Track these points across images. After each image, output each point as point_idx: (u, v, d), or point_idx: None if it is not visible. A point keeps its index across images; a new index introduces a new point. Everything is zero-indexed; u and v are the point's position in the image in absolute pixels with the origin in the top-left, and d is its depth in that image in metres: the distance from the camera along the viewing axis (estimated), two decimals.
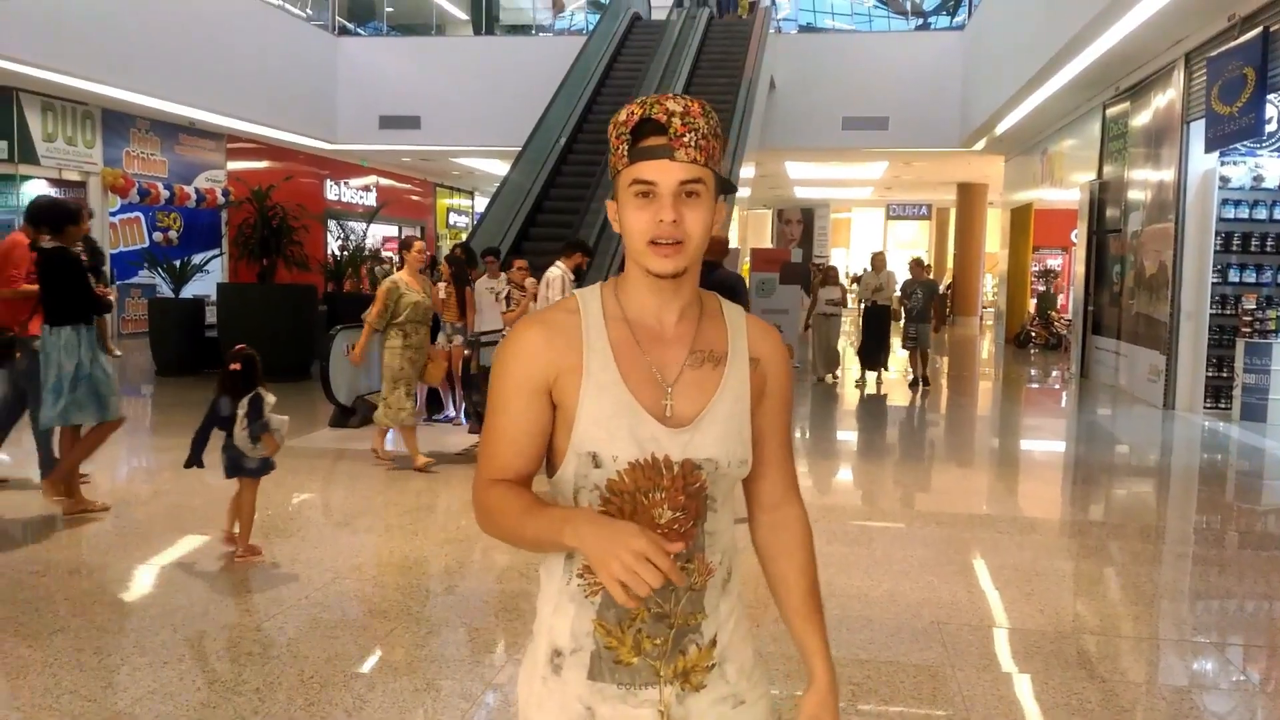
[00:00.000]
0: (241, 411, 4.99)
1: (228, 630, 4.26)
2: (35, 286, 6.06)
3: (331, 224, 18.89)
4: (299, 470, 7.26)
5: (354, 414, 9.15)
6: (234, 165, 19.53)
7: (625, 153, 1.44)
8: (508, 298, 9.07)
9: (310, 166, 21.51)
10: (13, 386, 6.48)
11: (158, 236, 18.20)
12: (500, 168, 18.62)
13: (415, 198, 26.92)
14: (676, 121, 1.41)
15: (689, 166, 1.41)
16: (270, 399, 5.06)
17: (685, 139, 1.40)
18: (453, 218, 29.40)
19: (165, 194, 17.75)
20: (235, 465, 5.10)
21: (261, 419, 4.95)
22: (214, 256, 15.68)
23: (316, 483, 7.14)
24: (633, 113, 1.44)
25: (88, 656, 3.94)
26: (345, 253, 15.95)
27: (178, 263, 13.95)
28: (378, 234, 22.75)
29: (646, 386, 1.46)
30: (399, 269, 7.88)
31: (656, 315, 1.50)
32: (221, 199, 18.83)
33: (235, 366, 4.97)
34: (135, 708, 3.49)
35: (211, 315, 13.34)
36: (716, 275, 6.86)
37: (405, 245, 8.25)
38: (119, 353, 8.19)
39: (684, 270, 1.45)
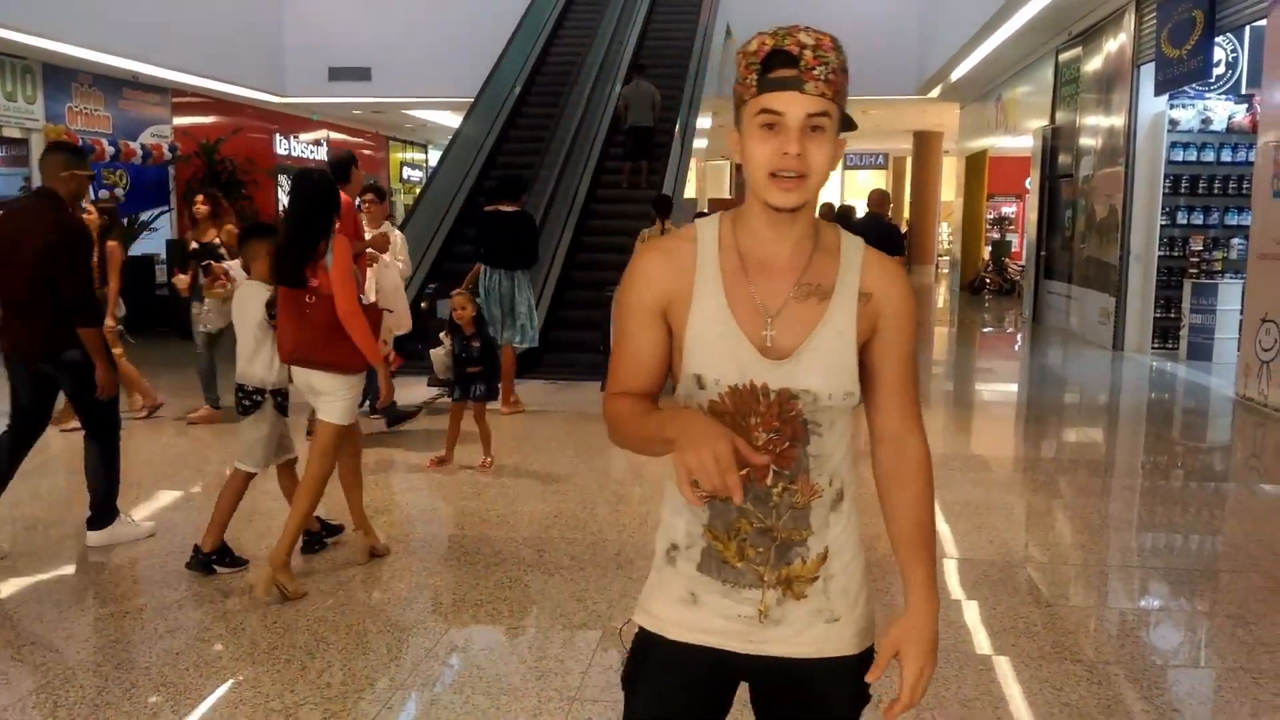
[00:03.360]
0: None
1: (188, 579, 4.27)
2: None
3: (282, 179, 18.59)
4: None
5: None
6: (180, 120, 19.09)
7: (754, 83, 1.43)
8: None
9: (259, 120, 21.08)
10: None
11: (103, 194, 17.80)
12: (454, 120, 18.38)
13: (368, 152, 26.51)
14: (808, 54, 1.40)
15: (817, 99, 1.41)
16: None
17: (815, 71, 1.40)
18: (406, 172, 29.03)
19: (110, 150, 17.33)
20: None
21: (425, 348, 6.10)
22: (162, 213, 15.42)
23: None
24: (764, 43, 1.43)
25: (47, 608, 3.93)
26: None
27: (125, 220, 13.69)
28: None
29: (751, 316, 1.50)
30: None
31: (770, 247, 1.52)
32: (168, 154, 18.43)
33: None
34: (98, 657, 3.50)
35: (162, 274, 13.14)
36: (881, 225, 8.38)
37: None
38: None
39: (803, 204, 1.46)
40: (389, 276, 6.91)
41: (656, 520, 1.57)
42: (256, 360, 4.30)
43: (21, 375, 4.50)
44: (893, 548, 1.62)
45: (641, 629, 1.64)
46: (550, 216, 11.30)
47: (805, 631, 1.56)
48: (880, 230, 8.63)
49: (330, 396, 4.14)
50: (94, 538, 4.63)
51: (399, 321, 7.03)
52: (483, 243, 7.86)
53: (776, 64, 1.41)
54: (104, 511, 4.66)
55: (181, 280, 7.62)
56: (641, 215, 11.99)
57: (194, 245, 7.67)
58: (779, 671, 1.58)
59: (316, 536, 4.62)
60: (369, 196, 7.25)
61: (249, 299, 4.35)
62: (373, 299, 6.55)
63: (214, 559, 4.29)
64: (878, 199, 8.95)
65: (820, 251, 1.54)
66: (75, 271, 4.31)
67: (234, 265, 7.19)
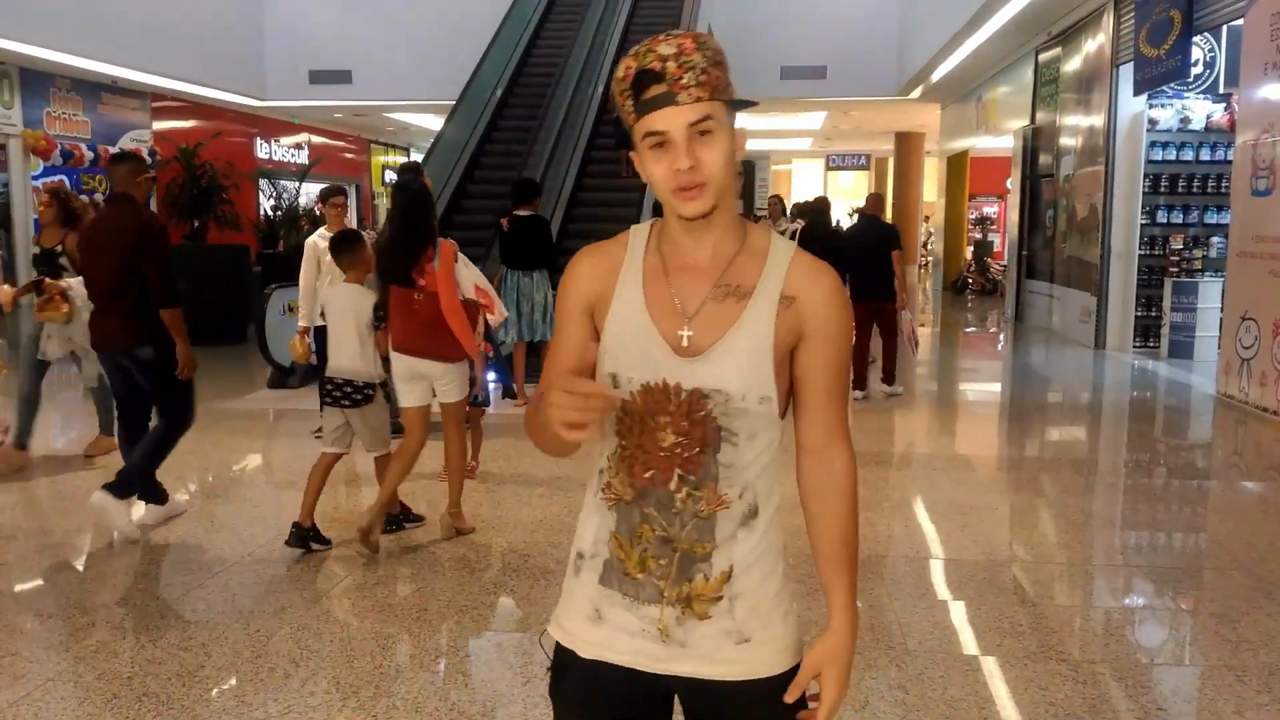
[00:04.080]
0: None
1: (171, 588, 4.23)
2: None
3: (263, 183, 18.50)
4: (239, 431, 7.18)
5: (292, 374, 9.05)
6: (160, 125, 18.97)
7: (632, 108, 1.44)
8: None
9: (239, 125, 20.97)
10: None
11: (83, 199, 17.67)
12: (436, 122, 18.33)
13: (349, 155, 26.42)
14: (671, 65, 1.40)
15: (693, 106, 1.40)
16: None
17: (683, 80, 1.40)
18: (388, 175, 28.93)
19: (89, 155, 17.21)
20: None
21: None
22: None
23: (258, 442, 7.06)
24: (629, 67, 1.43)
25: (28, 619, 3.89)
26: (279, 212, 15.63)
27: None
28: (311, 193, 22.31)
29: (667, 316, 1.50)
30: None
31: (690, 252, 1.52)
32: (148, 159, 18.32)
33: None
34: (79, 666, 3.46)
35: None
36: (879, 224, 9.01)
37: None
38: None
39: (712, 209, 1.46)
40: (469, 274, 6.94)
41: None
42: (363, 356, 4.70)
43: (109, 366, 5.00)
44: (815, 563, 1.58)
45: (557, 641, 1.61)
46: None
47: (716, 654, 1.50)
48: (879, 230, 8.90)
49: (442, 381, 4.72)
50: (96, 499, 4.68)
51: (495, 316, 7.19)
52: (502, 246, 8.30)
53: (646, 83, 1.41)
54: (125, 483, 4.79)
55: (4, 293, 6.44)
56: (628, 203, 12.03)
57: (36, 250, 6.68)
58: (698, 691, 1.54)
59: (397, 519, 4.98)
60: (339, 199, 6.88)
61: (348, 299, 4.72)
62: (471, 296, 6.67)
63: (393, 523, 4.91)
64: (874, 201, 9.45)
65: (745, 254, 1.52)
66: (158, 260, 4.79)
67: (75, 283, 5.99)
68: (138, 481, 4.85)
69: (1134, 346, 11.36)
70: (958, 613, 4.01)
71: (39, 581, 4.36)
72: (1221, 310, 9.21)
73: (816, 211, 10.50)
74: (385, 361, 4.90)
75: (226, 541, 4.88)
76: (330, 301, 4.82)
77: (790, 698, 1.51)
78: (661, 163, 1.43)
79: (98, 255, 4.86)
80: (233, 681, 3.36)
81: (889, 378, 8.86)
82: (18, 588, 4.25)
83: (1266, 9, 8.02)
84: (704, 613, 1.50)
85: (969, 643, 3.71)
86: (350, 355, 4.68)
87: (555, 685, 1.62)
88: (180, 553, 4.72)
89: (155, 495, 5.09)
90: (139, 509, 5.07)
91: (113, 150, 17.68)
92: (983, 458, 7.02)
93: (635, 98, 1.43)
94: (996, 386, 10.57)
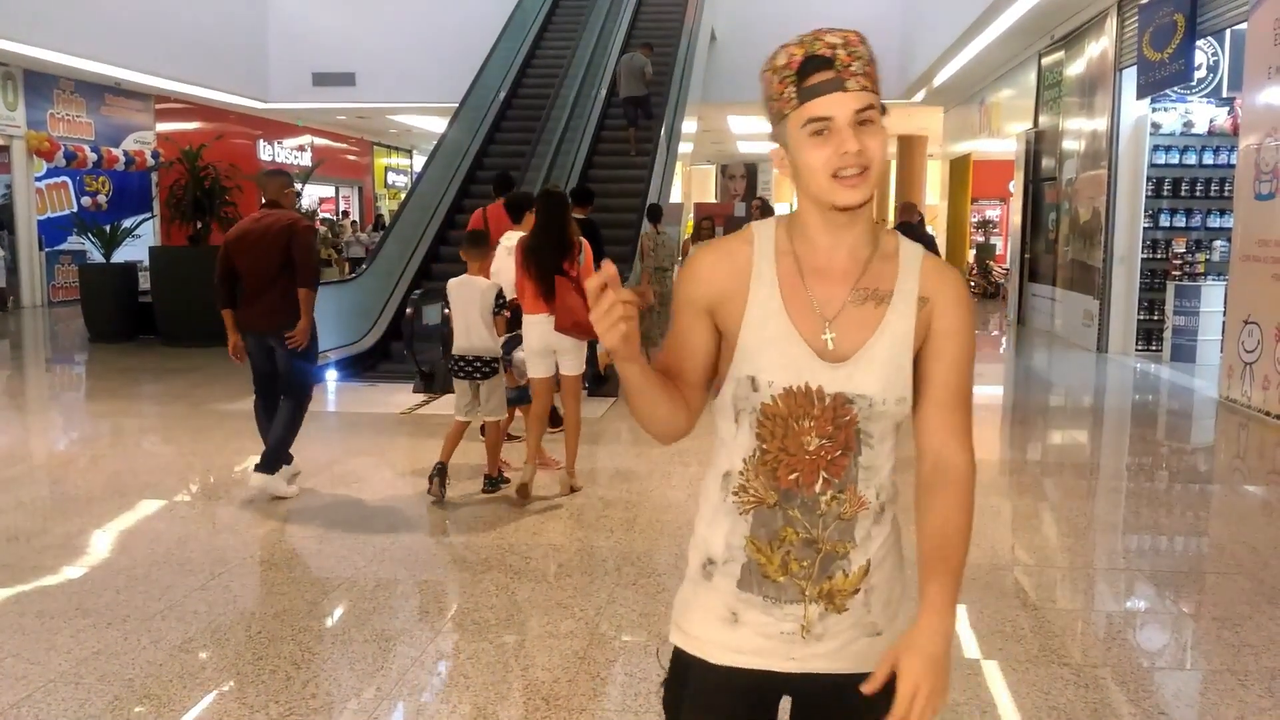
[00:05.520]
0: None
1: (172, 589, 4.23)
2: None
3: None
4: (241, 433, 7.17)
5: None
6: (163, 126, 19.02)
7: (793, 95, 1.43)
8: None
9: (243, 126, 21.02)
10: None
11: (86, 201, 17.72)
12: (439, 124, 18.36)
13: (352, 157, 26.47)
14: (841, 53, 1.41)
15: (861, 94, 1.41)
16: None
17: (853, 68, 1.41)
18: (391, 177, 28.99)
19: (92, 157, 17.26)
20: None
21: (508, 355, 6.00)
22: (145, 220, 15.30)
23: (259, 444, 7.03)
24: (793, 54, 1.43)
25: (30, 620, 3.89)
26: None
27: (107, 227, 13.59)
28: (314, 194, 22.37)
29: (807, 319, 1.50)
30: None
31: (826, 253, 1.51)
32: (151, 161, 18.35)
33: (507, 314, 5.89)
34: (80, 668, 3.46)
35: (145, 280, 13.03)
36: (914, 232, 9.07)
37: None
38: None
39: (868, 199, 1.46)
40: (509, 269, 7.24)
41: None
42: (488, 336, 5.53)
43: (255, 346, 5.64)
44: (917, 560, 1.54)
45: (679, 650, 1.60)
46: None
47: (848, 647, 1.52)
48: (914, 238, 8.96)
49: (567, 356, 5.55)
50: (256, 479, 5.54)
51: None
52: None
53: (812, 70, 1.41)
54: (273, 460, 5.57)
55: None
56: (637, 179, 12.11)
57: None
58: (820, 687, 1.54)
59: (494, 482, 5.67)
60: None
61: (477, 290, 5.53)
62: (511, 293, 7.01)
63: (500, 479, 5.68)
64: (907, 209, 9.44)
65: (879, 257, 1.53)
66: (309, 248, 5.61)
67: None
68: (281, 456, 5.59)
69: (1136, 350, 11.36)
70: (959, 616, 4.01)
71: (40, 582, 4.36)
72: (1224, 314, 9.20)
73: None
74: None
75: (228, 543, 4.89)
76: (458, 291, 5.55)
77: (867, 688, 1.43)
78: (823, 149, 1.42)
79: (257, 251, 5.49)
80: (234, 683, 3.36)
81: None
82: (19, 589, 4.26)
83: (1270, 13, 8.02)
84: (842, 605, 1.52)
85: (970, 646, 3.71)
86: (481, 336, 5.52)
87: (676, 695, 1.60)
88: (182, 554, 4.72)
89: (286, 460, 5.71)
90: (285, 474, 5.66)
91: (116, 151, 17.72)
92: (985, 461, 7.01)
93: (799, 84, 1.42)
94: (999, 390, 10.55)
